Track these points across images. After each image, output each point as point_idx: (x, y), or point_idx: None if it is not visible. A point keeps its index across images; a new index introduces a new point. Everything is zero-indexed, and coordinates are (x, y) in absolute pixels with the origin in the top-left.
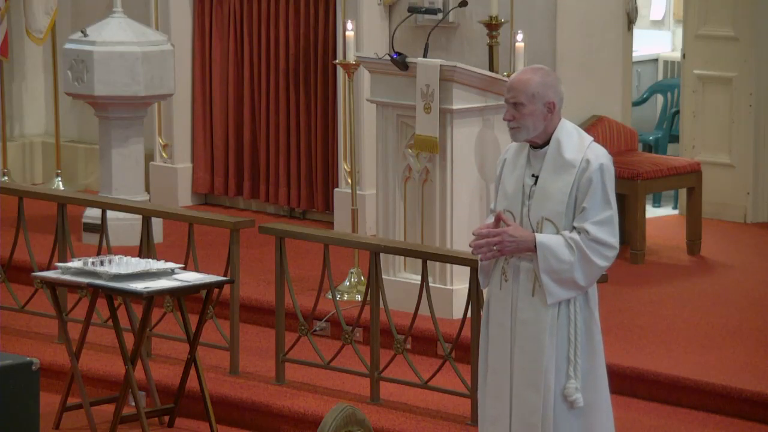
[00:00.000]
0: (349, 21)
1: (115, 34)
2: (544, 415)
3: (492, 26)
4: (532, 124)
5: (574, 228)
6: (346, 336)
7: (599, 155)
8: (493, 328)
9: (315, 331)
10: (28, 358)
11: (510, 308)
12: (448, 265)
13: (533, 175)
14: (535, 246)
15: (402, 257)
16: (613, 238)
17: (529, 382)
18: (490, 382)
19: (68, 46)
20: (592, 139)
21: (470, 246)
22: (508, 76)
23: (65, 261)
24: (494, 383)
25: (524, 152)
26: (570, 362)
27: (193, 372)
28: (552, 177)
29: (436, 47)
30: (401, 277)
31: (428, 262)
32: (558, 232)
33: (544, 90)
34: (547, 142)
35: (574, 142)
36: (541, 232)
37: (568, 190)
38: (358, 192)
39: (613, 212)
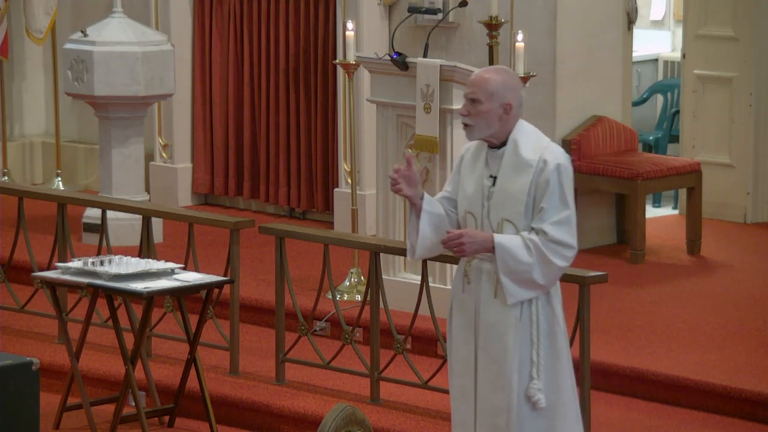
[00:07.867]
0: (349, 21)
1: (115, 34)
2: (509, 417)
3: (492, 26)
4: (485, 124)
5: (532, 229)
6: (346, 336)
7: (557, 155)
8: (456, 330)
9: (315, 331)
10: (28, 358)
11: (473, 310)
12: (448, 265)
13: (491, 176)
14: (494, 247)
15: (402, 257)
16: (571, 237)
17: (494, 384)
18: (455, 385)
19: (68, 46)
20: (549, 140)
21: (392, 187)
22: None
23: (65, 261)
24: (459, 386)
25: (483, 153)
26: (533, 363)
27: (193, 372)
28: (510, 178)
29: (436, 47)
30: (401, 277)
31: (428, 262)
32: (518, 233)
33: (504, 91)
34: (504, 143)
35: (531, 142)
36: (501, 233)
37: (526, 190)
38: (358, 192)
39: (570, 212)
